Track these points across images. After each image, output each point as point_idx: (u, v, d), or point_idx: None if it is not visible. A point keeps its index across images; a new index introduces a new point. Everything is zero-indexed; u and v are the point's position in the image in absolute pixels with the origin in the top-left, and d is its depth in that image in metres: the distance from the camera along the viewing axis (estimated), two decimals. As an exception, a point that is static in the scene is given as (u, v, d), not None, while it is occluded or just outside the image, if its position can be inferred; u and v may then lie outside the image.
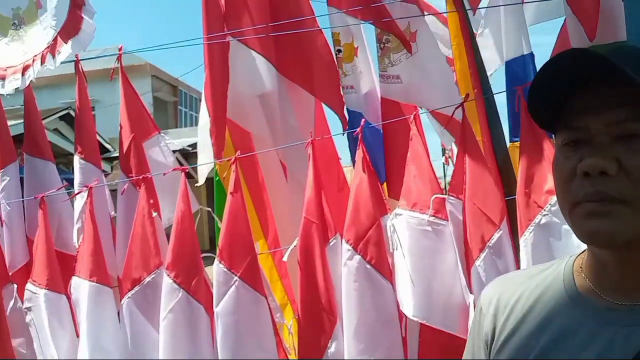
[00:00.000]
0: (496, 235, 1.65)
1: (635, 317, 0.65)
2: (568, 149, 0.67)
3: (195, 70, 2.32)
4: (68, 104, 10.92)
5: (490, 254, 1.64)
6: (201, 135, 2.37)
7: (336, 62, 2.20)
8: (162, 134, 2.46)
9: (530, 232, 1.60)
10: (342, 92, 2.18)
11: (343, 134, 2.15)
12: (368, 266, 1.76)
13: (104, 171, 2.75)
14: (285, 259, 1.97)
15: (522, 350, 0.72)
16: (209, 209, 2.32)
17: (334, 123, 2.31)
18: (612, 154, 0.63)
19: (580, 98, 0.66)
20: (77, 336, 2.10)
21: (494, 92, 2.03)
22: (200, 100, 2.34)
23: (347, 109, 2.18)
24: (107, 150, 9.89)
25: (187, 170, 2.10)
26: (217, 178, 2.23)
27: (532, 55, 2.14)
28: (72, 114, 9.90)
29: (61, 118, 10.62)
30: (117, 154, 2.68)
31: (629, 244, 0.64)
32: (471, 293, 1.66)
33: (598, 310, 0.68)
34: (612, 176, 0.62)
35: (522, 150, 1.72)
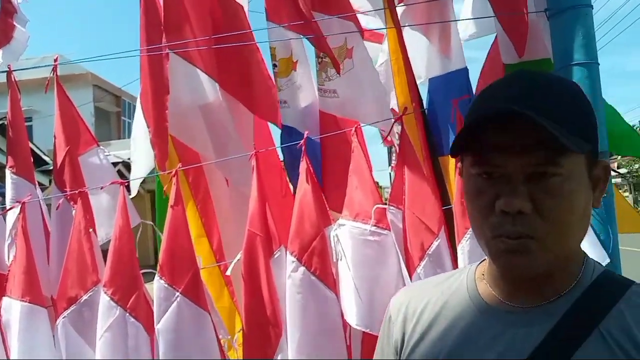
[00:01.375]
0: (435, 244, 1.70)
1: (529, 318, 0.72)
2: (482, 180, 0.71)
3: (139, 80, 2.27)
4: (2, 115, 10.40)
5: (430, 262, 1.68)
6: (135, 146, 2.32)
7: (273, 76, 2.22)
8: (100, 147, 2.39)
9: (467, 240, 1.66)
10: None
11: (282, 147, 2.16)
12: (312, 277, 1.77)
13: (41, 184, 2.62)
14: (228, 272, 1.94)
15: (431, 353, 0.77)
16: (151, 222, 2.26)
17: (276, 133, 2.32)
18: (527, 194, 0.68)
19: (495, 134, 0.68)
20: (7, 358, 1.98)
21: (426, 107, 2.11)
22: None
23: (282, 124, 2.20)
24: (45, 163, 9.46)
25: (126, 184, 2.04)
26: (159, 190, 2.18)
27: (466, 69, 2.23)
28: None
29: (-5, 129, 10.07)
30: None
31: (553, 267, 0.72)
32: None
33: (499, 314, 0.75)
34: (527, 214, 0.68)
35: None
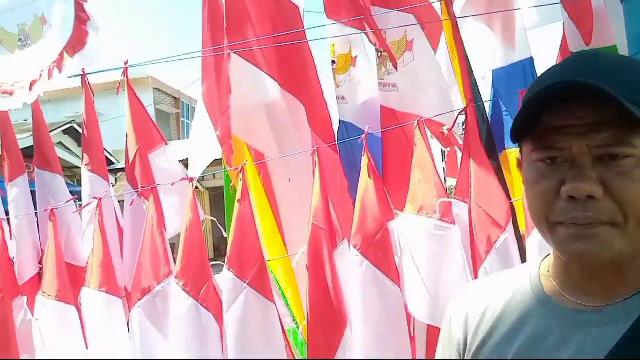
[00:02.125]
0: (502, 238, 1.67)
1: (603, 318, 0.66)
2: (545, 166, 0.66)
3: (197, 82, 2.36)
4: (71, 118, 10.99)
5: (497, 256, 1.65)
6: (194, 143, 2.40)
7: (332, 73, 2.24)
8: (168, 145, 2.49)
9: (537, 234, 1.61)
10: (337, 102, 2.22)
11: (340, 142, 2.18)
12: (376, 270, 1.78)
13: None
14: (294, 264, 1.99)
15: (497, 356, 0.72)
16: (214, 218, 2.34)
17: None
18: (596, 177, 0.62)
19: (557, 115, 0.64)
20: (87, 347, 2.11)
21: (490, 99, 2.06)
22: (202, 112, 2.38)
23: (339, 120, 2.22)
24: (112, 163, 9.95)
25: (194, 180, 2.12)
26: (228, 186, 2.25)
27: (532, 58, 2.16)
28: (76, 127, 9.98)
29: (65, 132, 10.69)
30: (121, 166, 2.70)
31: (625, 257, 0.65)
32: None
33: (567, 313, 0.69)
34: (598, 200, 0.62)
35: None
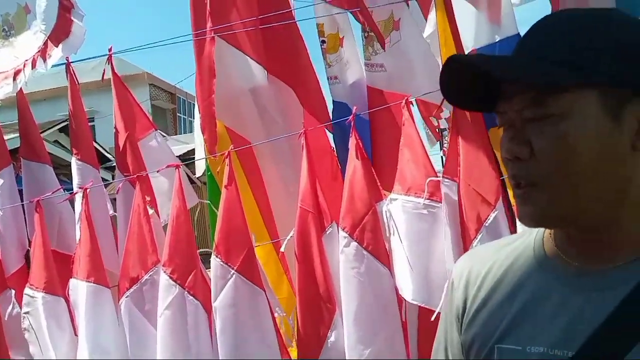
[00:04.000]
0: (492, 215, 1.63)
1: (603, 281, 0.64)
2: (503, 132, 0.68)
3: (192, 76, 2.31)
4: (67, 117, 10.96)
5: (487, 234, 1.62)
6: (198, 131, 2.36)
7: (321, 53, 2.20)
8: (158, 131, 2.45)
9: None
10: (328, 83, 2.18)
11: (333, 122, 2.14)
12: (365, 252, 1.75)
13: (105, 180, 2.74)
14: (282, 249, 1.96)
15: (494, 320, 0.71)
16: (209, 202, 2.30)
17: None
18: (523, 138, 0.63)
19: (505, 84, 0.66)
20: (77, 337, 2.09)
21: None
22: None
23: (333, 100, 2.18)
24: (108, 160, 9.91)
25: (180, 166, 2.09)
26: (210, 173, 2.21)
27: (519, 36, 2.11)
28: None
29: (61, 130, 10.66)
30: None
31: (567, 219, 0.65)
32: None
33: (567, 276, 0.67)
34: (525, 160, 0.63)
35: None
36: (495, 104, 0.68)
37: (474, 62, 0.67)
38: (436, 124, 2.94)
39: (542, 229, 0.74)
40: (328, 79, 2.20)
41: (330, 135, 2.19)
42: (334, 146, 2.14)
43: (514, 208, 1.63)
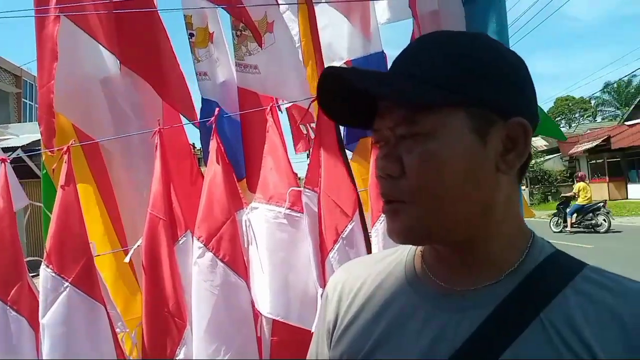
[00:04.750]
0: (349, 227, 1.65)
1: (465, 302, 0.65)
2: (378, 150, 0.68)
3: None
4: None
5: (343, 245, 1.63)
6: None
7: (189, 47, 2.06)
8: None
9: (381, 223, 1.62)
10: (197, 79, 2.04)
11: (195, 122, 2.01)
12: (221, 264, 1.65)
13: None
14: (126, 260, 1.77)
15: (362, 337, 0.70)
16: (40, 204, 2.01)
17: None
18: (395, 156, 0.63)
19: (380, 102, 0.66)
20: None
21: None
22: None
23: (202, 98, 2.05)
24: None
25: (7, 161, 1.79)
26: (44, 172, 1.94)
27: (383, 53, 2.20)
28: None
29: None
30: None
31: (432, 236, 0.65)
32: (322, 287, 1.63)
33: (433, 296, 0.67)
34: (396, 178, 0.63)
35: (373, 145, 1.75)
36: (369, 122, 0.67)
37: (350, 77, 0.64)
38: (305, 132, 2.94)
39: (414, 248, 0.74)
40: (197, 74, 2.06)
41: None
42: (201, 147, 2.01)
43: (368, 220, 1.69)
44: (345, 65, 2.26)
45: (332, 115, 0.72)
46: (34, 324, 1.63)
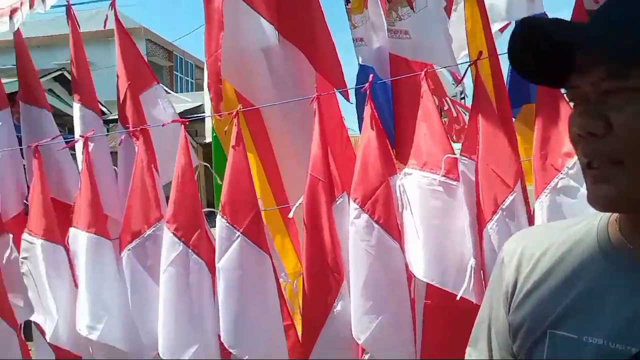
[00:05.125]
0: (510, 198, 1.59)
1: None
2: (574, 108, 0.64)
3: (191, 34, 2.19)
4: (62, 65, 10.65)
5: (503, 217, 1.58)
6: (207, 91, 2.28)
7: (346, 14, 2.12)
8: (161, 85, 2.37)
9: (546, 195, 1.55)
10: (354, 45, 2.09)
11: (345, 92, 2.06)
12: (376, 226, 1.71)
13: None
14: (290, 215, 1.92)
15: (548, 304, 0.68)
16: (207, 164, 2.24)
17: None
18: (599, 113, 0.59)
19: (578, 56, 0.62)
20: (76, 287, 2.05)
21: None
22: (196, 66, 2.24)
23: (358, 63, 2.10)
24: (104, 113, 9.73)
25: (187, 123, 2.02)
26: (215, 135, 2.15)
27: (545, 14, 2.05)
28: (67, 74, 9.69)
29: (55, 79, 10.40)
30: (114, 117, 2.57)
31: None
32: (475, 257, 1.61)
33: (631, 267, 0.63)
34: (600, 136, 0.59)
35: (538, 112, 1.66)
36: (561, 79, 0.64)
37: (553, 29, 0.61)
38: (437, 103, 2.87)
39: (606, 214, 0.70)
40: (354, 40, 2.11)
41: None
42: (356, 112, 2.07)
43: (535, 190, 1.61)
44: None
45: (522, 72, 0.69)
46: (211, 267, 1.85)
